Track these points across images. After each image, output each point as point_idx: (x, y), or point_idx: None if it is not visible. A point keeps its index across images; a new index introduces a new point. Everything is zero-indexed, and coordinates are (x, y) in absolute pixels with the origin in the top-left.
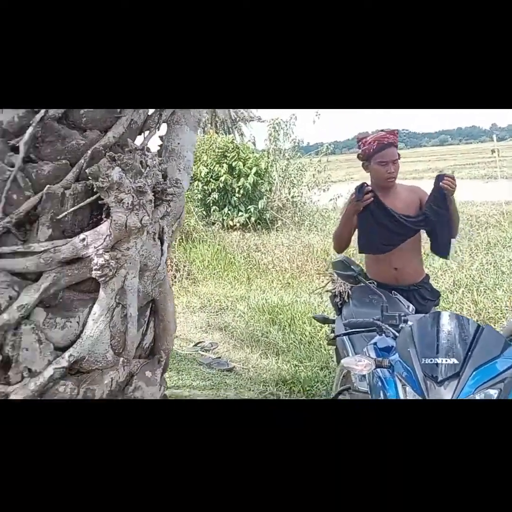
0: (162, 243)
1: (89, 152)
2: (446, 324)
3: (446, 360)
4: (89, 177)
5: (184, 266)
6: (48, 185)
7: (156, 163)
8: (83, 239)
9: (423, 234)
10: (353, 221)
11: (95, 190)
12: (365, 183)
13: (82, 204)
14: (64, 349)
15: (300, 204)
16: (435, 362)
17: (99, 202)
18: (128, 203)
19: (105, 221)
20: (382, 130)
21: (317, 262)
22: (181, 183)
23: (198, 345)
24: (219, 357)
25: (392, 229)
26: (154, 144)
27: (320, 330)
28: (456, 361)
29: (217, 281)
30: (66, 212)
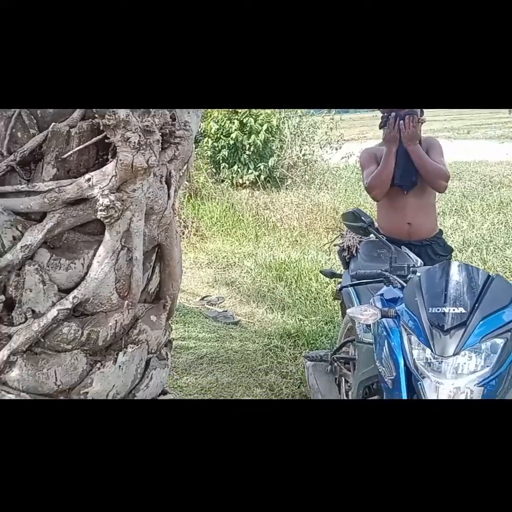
0: (169, 187)
1: None
2: (456, 274)
3: (454, 309)
4: (96, 115)
5: (192, 223)
6: (53, 123)
7: None
8: (89, 179)
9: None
10: (394, 155)
11: (101, 128)
12: (385, 114)
13: (88, 143)
14: (68, 291)
15: (311, 162)
16: (442, 311)
17: (106, 141)
18: (134, 142)
19: (111, 161)
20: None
21: (326, 220)
22: (189, 126)
23: (204, 299)
24: (225, 311)
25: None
26: None
27: (327, 286)
28: (463, 311)
29: (225, 238)
30: (71, 151)
